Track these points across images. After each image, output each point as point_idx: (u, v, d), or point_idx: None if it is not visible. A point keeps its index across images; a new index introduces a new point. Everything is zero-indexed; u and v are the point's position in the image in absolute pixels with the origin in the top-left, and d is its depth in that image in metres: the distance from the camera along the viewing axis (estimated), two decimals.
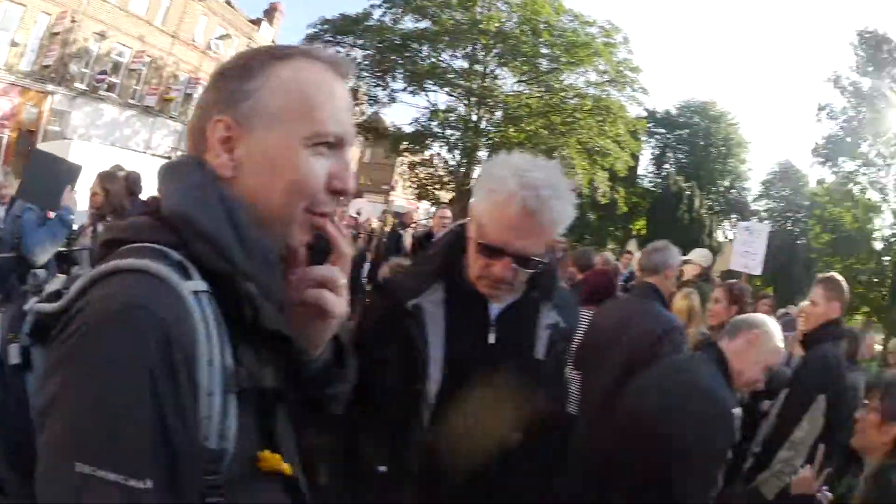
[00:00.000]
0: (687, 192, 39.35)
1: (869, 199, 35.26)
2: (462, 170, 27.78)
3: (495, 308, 2.06)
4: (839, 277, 4.09)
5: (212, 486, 0.96)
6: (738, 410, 2.66)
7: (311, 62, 1.17)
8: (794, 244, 43.82)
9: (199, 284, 0.99)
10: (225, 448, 0.98)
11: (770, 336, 2.83)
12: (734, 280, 6.57)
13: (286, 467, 1.07)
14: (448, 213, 9.71)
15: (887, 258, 34.38)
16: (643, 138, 38.54)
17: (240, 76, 1.13)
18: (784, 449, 3.53)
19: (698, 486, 2.59)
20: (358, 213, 11.43)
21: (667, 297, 4.02)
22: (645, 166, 48.32)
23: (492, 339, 2.05)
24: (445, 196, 29.12)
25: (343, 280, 1.22)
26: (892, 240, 34.64)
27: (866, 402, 2.80)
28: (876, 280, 33.92)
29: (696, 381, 2.73)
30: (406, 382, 2.01)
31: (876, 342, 21.10)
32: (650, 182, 47.77)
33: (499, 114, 28.76)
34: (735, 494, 3.30)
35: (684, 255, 6.87)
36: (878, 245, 35.29)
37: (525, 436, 2.08)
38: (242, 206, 1.09)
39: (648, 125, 41.87)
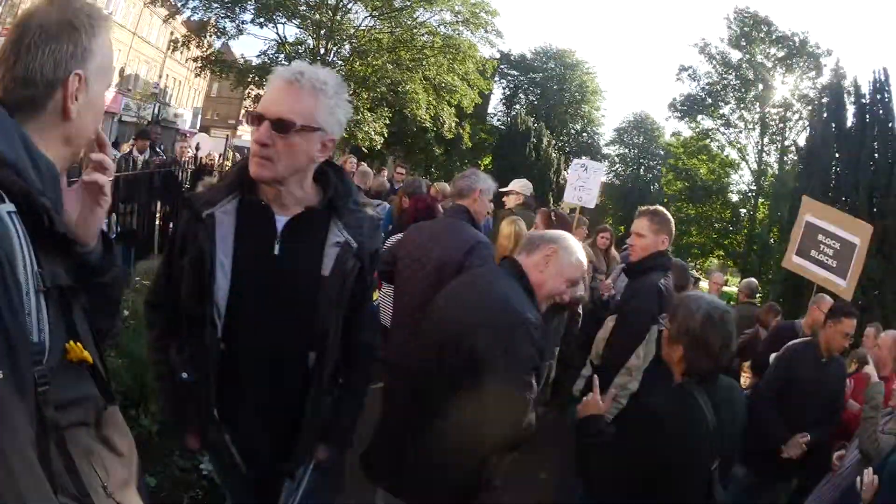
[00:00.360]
0: (534, 132, 40.35)
1: (727, 156, 37.78)
2: None
3: (282, 220, 2.16)
4: (664, 210, 4.09)
5: (41, 376, 1.15)
6: (535, 317, 2.68)
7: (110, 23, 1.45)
8: (646, 189, 46.32)
9: (9, 206, 1.15)
10: (43, 340, 1.17)
11: (569, 251, 2.85)
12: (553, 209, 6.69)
13: (88, 355, 1.28)
14: None
15: (743, 210, 37.00)
16: (495, 78, 39.14)
17: (86, 33, 1.34)
18: (620, 375, 3.62)
19: (512, 391, 2.58)
20: (197, 148, 10.85)
21: (478, 218, 4.25)
22: (495, 105, 49.54)
23: (276, 250, 2.15)
24: None
25: (111, 164, 1.48)
26: (749, 195, 37.09)
27: (662, 318, 2.86)
28: (732, 229, 36.51)
29: (491, 292, 2.73)
30: (197, 289, 2.14)
31: (730, 282, 22.41)
32: (499, 121, 48.87)
33: (347, 47, 28.35)
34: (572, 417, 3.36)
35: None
36: (735, 198, 37.93)
37: (318, 351, 2.23)
38: (73, 140, 1.40)
39: (501, 66, 42.78)
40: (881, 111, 22.13)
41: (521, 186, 7.27)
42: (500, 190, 6.60)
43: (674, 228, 4.07)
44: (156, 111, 36.62)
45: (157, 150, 11.47)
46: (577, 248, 2.91)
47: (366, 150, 30.09)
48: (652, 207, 4.12)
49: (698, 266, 35.97)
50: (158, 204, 8.43)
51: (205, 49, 27.94)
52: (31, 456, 1.10)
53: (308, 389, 2.26)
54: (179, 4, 26.91)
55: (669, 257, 4.10)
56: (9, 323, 1.05)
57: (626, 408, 2.98)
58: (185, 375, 2.27)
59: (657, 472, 2.50)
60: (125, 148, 12.26)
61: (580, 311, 4.74)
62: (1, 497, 1.00)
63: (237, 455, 2.36)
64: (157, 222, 8.69)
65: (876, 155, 21.68)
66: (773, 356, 5.23)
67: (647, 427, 2.58)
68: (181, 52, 29.43)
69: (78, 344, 1.26)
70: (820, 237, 7.20)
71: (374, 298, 2.49)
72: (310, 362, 2.25)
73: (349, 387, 2.47)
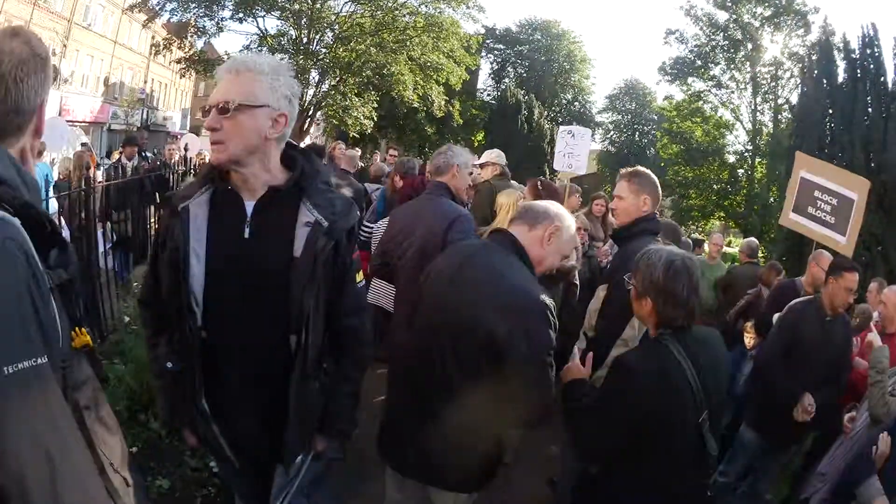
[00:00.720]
0: (525, 104, 40.45)
1: (721, 117, 37.64)
2: None
3: (251, 204, 2.24)
4: (646, 171, 3.89)
5: (63, 360, 1.34)
6: (549, 298, 2.69)
7: None
8: (642, 154, 46.36)
9: (16, 219, 1.29)
10: (58, 330, 1.33)
11: (568, 228, 2.92)
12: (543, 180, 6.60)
13: (90, 340, 1.47)
14: None
15: (741, 170, 36.91)
16: (482, 54, 39.11)
17: (47, 63, 1.51)
18: (616, 346, 3.50)
19: (534, 374, 2.61)
20: (185, 149, 10.81)
21: (459, 192, 4.45)
22: (484, 80, 49.64)
23: (246, 233, 2.22)
24: None
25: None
26: (746, 155, 36.98)
27: (627, 277, 2.86)
28: (731, 189, 36.40)
29: (504, 276, 2.70)
30: (175, 279, 2.22)
31: (734, 243, 22.03)
32: (489, 95, 48.89)
33: (330, 35, 28.15)
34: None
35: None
36: (731, 158, 37.81)
37: (298, 334, 2.25)
38: (34, 151, 1.58)
39: (487, 41, 42.82)
40: (872, 66, 22.03)
41: (495, 157, 7.21)
42: (475, 163, 6.64)
43: (658, 189, 3.85)
44: (144, 116, 36.55)
45: (144, 155, 11.43)
46: (572, 223, 2.97)
47: (357, 136, 30.00)
48: (632, 169, 3.93)
49: (700, 228, 35.97)
50: (151, 208, 8.41)
51: (187, 50, 27.83)
52: (78, 433, 1.32)
53: (283, 362, 2.28)
54: (157, 8, 26.73)
55: (657, 221, 3.90)
56: (42, 315, 1.25)
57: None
58: (169, 365, 2.35)
59: (641, 428, 2.52)
60: (114, 156, 12.20)
61: (577, 282, 4.72)
62: (58, 471, 1.18)
63: (227, 446, 2.41)
64: (151, 227, 8.68)
65: (869, 110, 21.62)
66: (776, 316, 5.18)
67: (624, 382, 2.59)
68: (164, 56, 29.32)
69: (83, 330, 1.45)
70: (816, 193, 7.15)
71: (359, 280, 2.48)
72: (292, 347, 2.26)
73: (341, 373, 2.48)
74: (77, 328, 1.43)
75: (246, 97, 2.11)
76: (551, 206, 3.00)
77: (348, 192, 2.51)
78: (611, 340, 3.43)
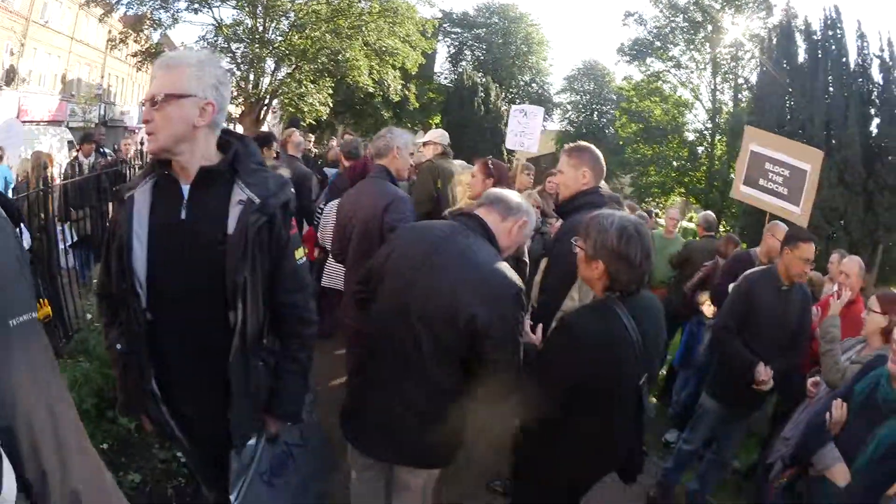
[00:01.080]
0: (482, 86, 40.50)
1: (680, 96, 37.84)
2: (249, 82, 26.82)
3: (188, 188, 2.32)
4: (587, 145, 3.89)
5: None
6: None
7: None
8: (601, 133, 46.52)
9: None
10: (33, 300, 1.40)
11: (532, 221, 3.04)
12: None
13: (50, 311, 1.54)
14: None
15: (700, 148, 37.19)
16: (439, 38, 39.00)
17: None
18: (556, 318, 3.43)
19: (509, 355, 2.71)
20: (141, 143, 10.69)
21: (400, 174, 4.61)
22: (441, 64, 49.82)
23: (183, 214, 2.30)
24: (236, 111, 27.91)
25: None
26: (706, 132, 37.26)
27: (574, 240, 2.89)
28: (690, 166, 36.71)
29: (483, 264, 2.75)
30: (120, 264, 2.30)
31: (694, 219, 21.99)
32: (446, 79, 49.10)
33: (285, 23, 27.68)
34: None
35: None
36: (691, 136, 38.06)
37: (235, 310, 2.30)
38: None
39: (444, 25, 42.66)
40: (834, 47, 22.32)
41: (438, 136, 7.21)
42: (418, 141, 6.70)
43: (601, 163, 3.84)
44: (102, 112, 35.90)
45: (103, 151, 11.27)
46: (534, 217, 3.11)
47: (314, 122, 29.79)
48: (574, 144, 3.95)
49: (661, 205, 36.21)
50: (110, 205, 8.33)
51: (143, 43, 27.34)
52: (65, 383, 1.49)
53: (224, 342, 2.33)
54: (113, 1, 26.21)
55: (600, 194, 3.81)
56: (27, 278, 1.37)
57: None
58: (119, 347, 2.42)
59: (582, 386, 2.59)
60: (72, 154, 12.01)
61: (526, 260, 4.76)
62: (58, 415, 1.31)
63: (176, 428, 2.47)
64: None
65: (831, 89, 21.91)
66: (731, 286, 5.24)
67: (570, 341, 2.65)
68: (120, 50, 28.79)
69: (45, 301, 1.61)
70: (767, 165, 7.24)
71: (300, 257, 2.53)
72: (231, 324, 2.31)
73: (285, 353, 2.54)
74: (40, 300, 1.53)
75: (172, 88, 2.21)
76: (522, 200, 3.07)
77: (285, 173, 2.56)
78: (551, 313, 3.42)
